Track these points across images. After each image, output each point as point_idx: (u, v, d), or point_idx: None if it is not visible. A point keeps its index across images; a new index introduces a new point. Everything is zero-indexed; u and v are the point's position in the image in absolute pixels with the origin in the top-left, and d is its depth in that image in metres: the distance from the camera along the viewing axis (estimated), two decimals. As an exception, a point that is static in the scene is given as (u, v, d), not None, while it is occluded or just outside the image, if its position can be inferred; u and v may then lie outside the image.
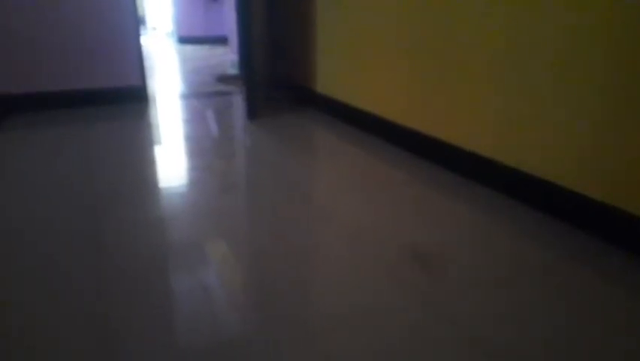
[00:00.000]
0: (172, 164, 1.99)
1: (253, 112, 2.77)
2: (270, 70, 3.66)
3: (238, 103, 3.24)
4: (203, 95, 3.49)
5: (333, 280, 1.16)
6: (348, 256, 1.27)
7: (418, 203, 1.62)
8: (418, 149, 2.10)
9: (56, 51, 2.81)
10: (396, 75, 2.19)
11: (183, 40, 7.50)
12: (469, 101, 1.78)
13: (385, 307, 1.05)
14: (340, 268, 1.21)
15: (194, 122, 2.70)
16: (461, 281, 1.16)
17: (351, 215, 1.52)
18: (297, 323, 1.00)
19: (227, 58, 5.34)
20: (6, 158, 2.01)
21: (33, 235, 1.36)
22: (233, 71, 4.44)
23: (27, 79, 2.78)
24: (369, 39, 2.35)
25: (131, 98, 3.11)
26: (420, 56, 2.01)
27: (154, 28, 9.79)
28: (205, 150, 2.18)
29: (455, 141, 1.88)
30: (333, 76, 2.79)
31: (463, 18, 1.74)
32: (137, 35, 3.00)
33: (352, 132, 2.51)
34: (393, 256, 1.27)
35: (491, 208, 1.57)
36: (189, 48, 6.82)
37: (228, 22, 4.63)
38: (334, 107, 2.81)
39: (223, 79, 4.07)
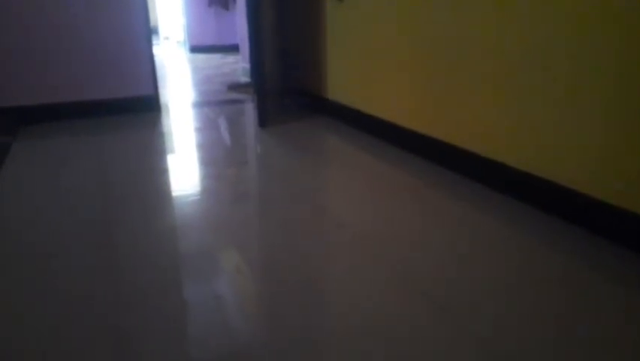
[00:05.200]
0: (184, 173, 1.99)
1: (264, 119, 2.77)
2: (281, 77, 3.67)
3: (250, 111, 3.25)
4: (215, 103, 3.51)
5: (346, 291, 1.14)
6: (361, 265, 1.26)
7: (432, 210, 1.60)
8: (431, 155, 2.08)
9: (69, 62, 2.84)
10: (409, 81, 2.17)
11: (195, 49, 7.57)
12: (483, 108, 1.75)
13: (398, 318, 1.03)
14: (353, 278, 1.20)
15: (206, 130, 2.71)
16: (474, 289, 1.13)
17: (364, 223, 1.51)
18: (309, 333, 0.99)
19: (238, 66, 5.37)
20: (20, 168, 2.03)
21: (45, 246, 1.37)
22: (244, 79, 4.47)
23: (41, 90, 2.82)
24: (381, 45, 2.34)
25: (144, 108, 3.13)
26: (432, 61, 1.99)
27: (166, 38, 9.91)
28: (217, 159, 2.18)
29: (468, 146, 1.85)
30: (344, 83, 2.78)
31: (475, 25, 1.72)
32: (150, 45, 3.03)
33: (364, 139, 2.50)
34: (407, 265, 1.25)
35: (505, 214, 1.54)
36: (201, 57, 6.89)
37: (240, 30, 4.66)
38: (345, 114, 2.80)
39: (235, 87, 4.09)
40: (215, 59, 6.59)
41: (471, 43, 1.76)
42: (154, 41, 4.39)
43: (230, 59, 6.51)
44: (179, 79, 4.75)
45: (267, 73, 3.31)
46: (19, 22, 2.66)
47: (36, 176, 1.94)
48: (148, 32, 3.01)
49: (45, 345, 0.96)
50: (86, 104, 2.96)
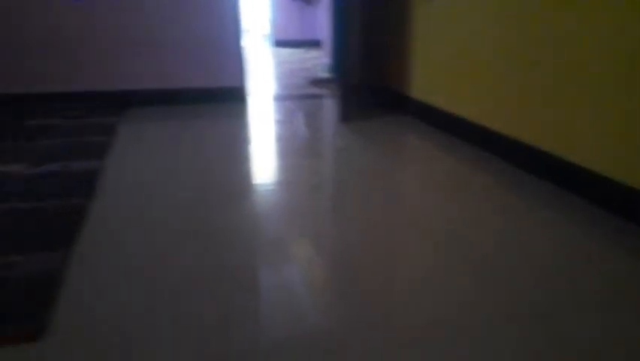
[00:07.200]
0: (266, 162, 2.07)
1: (346, 115, 2.80)
2: (365, 74, 3.68)
3: (330, 106, 3.30)
4: (297, 97, 3.60)
5: (418, 287, 1.14)
6: (435, 262, 1.25)
7: (514, 215, 1.54)
8: (515, 158, 1.99)
9: (174, 53, 3.11)
10: (495, 82, 2.09)
11: (279, 43, 7.78)
12: (570, 110, 1.65)
13: (480, 320, 1.02)
14: (426, 276, 1.19)
15: (288, 123, 2.79)
16: (571, 299, 1.08)
17: (440, 222, 1.49)
18: (378, 329, 1.00)
19: (320, 61, 5.46)
20: (121, 148, 2.23)
21: (138, 229, 1.50)
22: (326, 74, 4.53)
23: (145, 77, 3.10)
24: (468, 45, 2.28)
25: (232, 98, 3.31)
26: (519, 62, 1.90)
27: (251, 31, 10.28)
28: (298, 151, 2.25)
29: (555, 150, 1.75)
30: (430, 82, 2.73)
31: (570, 25, 1.62)
32: (239, 39, 3.20)
33: (448, 140, 2.44)
34: (481, 265, 1.22)
35: (585, 219, 1.45)
36: (285, 51, 7.07)
37: (322, 26, 4.73)
38: (430, 114, 2.76)
39: (317, 82, 4.16)
40: (298, 53, 6.73)
41: (571, 42, 1.66)
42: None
43: (312, 53, 6.62)
44: (263, 72, 4.92)
45: (350, 69, 3.34)
46: (129, 16, 2.94)
47: (134, 152, 2.12)
48: (238, 27, 3.19)
49: (125, 327, 1.05)
50: (181, 92, 3.20)
